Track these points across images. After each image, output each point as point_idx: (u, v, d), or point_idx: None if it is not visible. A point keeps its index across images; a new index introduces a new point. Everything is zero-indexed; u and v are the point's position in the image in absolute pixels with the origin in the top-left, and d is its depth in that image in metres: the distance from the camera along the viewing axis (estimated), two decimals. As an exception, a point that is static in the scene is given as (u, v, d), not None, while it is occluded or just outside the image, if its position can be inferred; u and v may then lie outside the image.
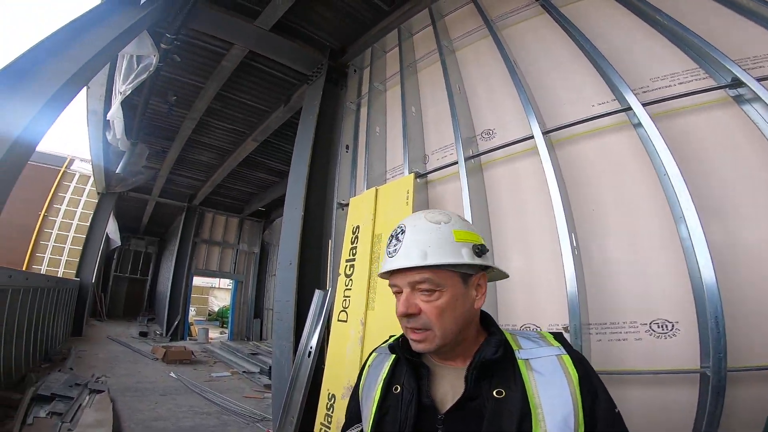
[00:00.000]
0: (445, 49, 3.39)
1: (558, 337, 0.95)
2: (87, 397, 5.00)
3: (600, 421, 0.80)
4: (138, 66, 4.84)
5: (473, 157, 2.80)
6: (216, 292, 23.93)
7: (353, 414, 1.10)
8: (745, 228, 1.87)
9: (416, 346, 0.90)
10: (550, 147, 2.38)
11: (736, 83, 1.98)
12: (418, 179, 3.02)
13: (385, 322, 2.86)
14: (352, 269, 3.26)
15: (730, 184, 1.95)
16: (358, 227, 3.33)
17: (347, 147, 4.13)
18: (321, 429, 3.21)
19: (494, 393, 0.83)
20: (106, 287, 18.34)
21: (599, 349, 2.05)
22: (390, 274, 0.93)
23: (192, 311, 14.78)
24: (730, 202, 1.93)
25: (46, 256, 16.95)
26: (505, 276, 1.02)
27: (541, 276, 2.36)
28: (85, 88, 5.76)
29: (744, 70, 1.96)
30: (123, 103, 5.60)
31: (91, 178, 16.09)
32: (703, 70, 2.16)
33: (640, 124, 2.16)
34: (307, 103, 4.84)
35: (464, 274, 0.91)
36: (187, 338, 12.86)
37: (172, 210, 14.16)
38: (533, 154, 2.52)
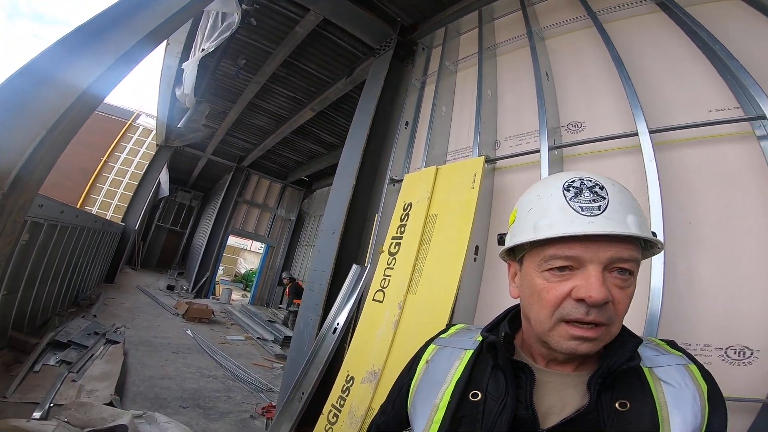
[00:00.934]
0: (536, 36, 3.14)
1: (673, 344, 0.81)
2: (102, 348, 5.02)
3: None
4: (222, 24, 4.92)
5: (557, 147, 2.53)
6: (246, 254, 24.39)
7: (390, 417, 0.95)
8: None
9: (580, 347, 0.68)
10: (656, 148, 2.10)
11: None
12: (487, 164, 2.78)
13: (425, 309, 2.64)
14: (397, 247, 3.06)
15: None
16: (410, 205, 3.13)
17: (407, 123, 3.97)
18: (331, 411, 3.04)
19: (617, 405, 0.68)
20: (147, 236, 19.06)
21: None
22: (562, 241, 0.70)
23: (220, 270, 15.08)
24: None
25: (99, 198, 18.10)
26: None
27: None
28: (164, 43, 5.94)
29: None
30: (195, 63, 5.76)
31: (153, 131, 17.10)
32: None
33: (767, 137, 1.85)
34: (371, 76, 4.71)
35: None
36: (211, 297, 13.12)
37: (221, 168, 14.54)
38: (627, 153, 2.26)
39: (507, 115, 3.14)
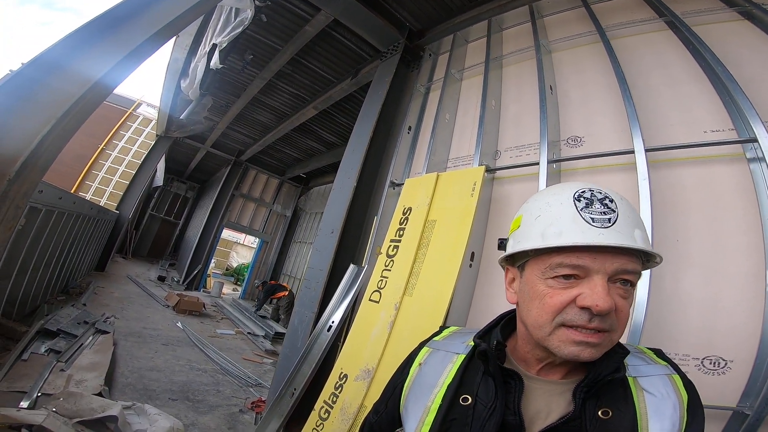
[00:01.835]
0: (543, 48, 3.22)
1: (660, 353, 0.85)
2: (91, 338, 5.00)
3: None
4: (234, 19, 4.98)
5: (556, 161, 2.61)
6: (239, 248, 24.37)
7: (383, 417, 0.97)
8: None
9: (583, 353, 0.71)
10: (650, 166, 2.18)
11: None
12: (486, 173, 2.85)
13: (421, 311, 2.72)
14: (395, 250, 3.13)
15: None
16: (409, 209, 3.20)
17: (410, 128, 4.04)
18: (323, 408, 3.10)
19: (599, 413, 0.71)
20: (139, 224, 19.02)
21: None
22: (571, 250, 0.72)
23: (212, 263, 15.05)
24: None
25: (94, 185, 18.02)
26: None
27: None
28: (174, 36, 5.96)
29: None
30: (203, 57, 5.81)
31: (153, 121, 17.15)
32: None
33: (757, 159, 1.94)
34: (377, 79, 4.78)
35: None
36: (202, 290, 13.06)
37: (219, 161, 14.58)
38: (623, 170, 2.34)
39: (509, 126, 3.21)
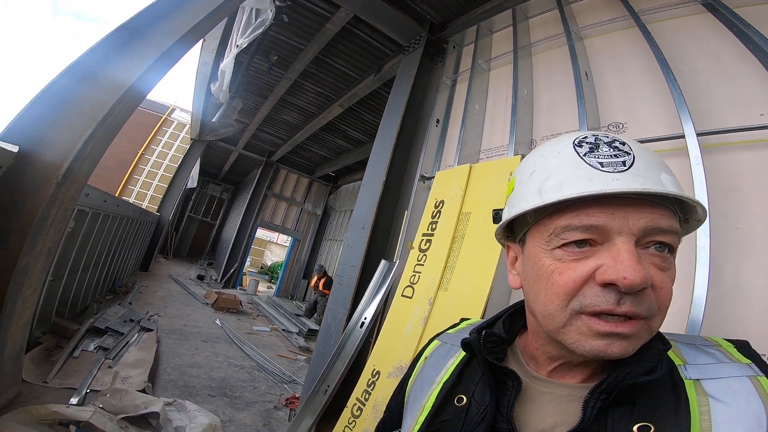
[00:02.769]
0: (574, 35, 3.03)
1: (744, 347, 0.60)
2: (136, 335, 5.12)
3: None
4: (256, 20, 4.99)
5: (598, 148, 2.44)
6: (272, 246, 24.63)
7: (393, 414, 0.85)
8: None
9: (610, 348, 0.52)
10: (702, 150, 1.98)
11: None
12: (523, 163, 2.71)
13: (457, 305, 2.60)
14: (428, 244, 3.02)
15: None
16: (442, 202, 3.09)
17: (437, 121, 3.91)
18: (355, 405, 3.04)
19: (635, 429, 0.51)
20: (179, 226, 19.59)
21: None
22: (578, 206, 0.54)
23: (247, 262, 15.36)
24: None
25: (135, 189, 18.67)
26: None
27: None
28: (201, 40, 6.07)
29: None
30: (230, 59, 5.85)
31: (187, 126, 17.61)
32: None
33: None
34: (401, 73, 4.66)
35: None
36: (238, 287, 13.31)
37: (251, 163, 14.80)
38: (673, 155, 2.14)
39: (542, 115, 3.05)
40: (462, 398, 0.67)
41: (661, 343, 0.56)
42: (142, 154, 19.18)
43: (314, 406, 3.42)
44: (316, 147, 11.74)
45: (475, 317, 2.44)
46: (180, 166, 13.06)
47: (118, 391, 3.12)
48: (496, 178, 2.75)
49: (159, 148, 19.70)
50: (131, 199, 17.69)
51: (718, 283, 1.81)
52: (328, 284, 10.32)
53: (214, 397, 3.95)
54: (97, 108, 2.74)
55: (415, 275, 3.03)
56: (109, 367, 3.85)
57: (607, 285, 0.51)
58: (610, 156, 0.55)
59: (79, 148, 2.62)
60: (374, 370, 3.05)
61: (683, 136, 2.05)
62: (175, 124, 20.50)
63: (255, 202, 13.74)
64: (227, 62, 5.98)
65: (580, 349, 0.53)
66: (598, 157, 0.56)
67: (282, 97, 8.55)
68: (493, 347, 0.68)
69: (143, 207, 16.30)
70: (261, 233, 17.19)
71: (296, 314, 9.96)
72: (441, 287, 2.74)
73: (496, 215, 0.73)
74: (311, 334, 8.06)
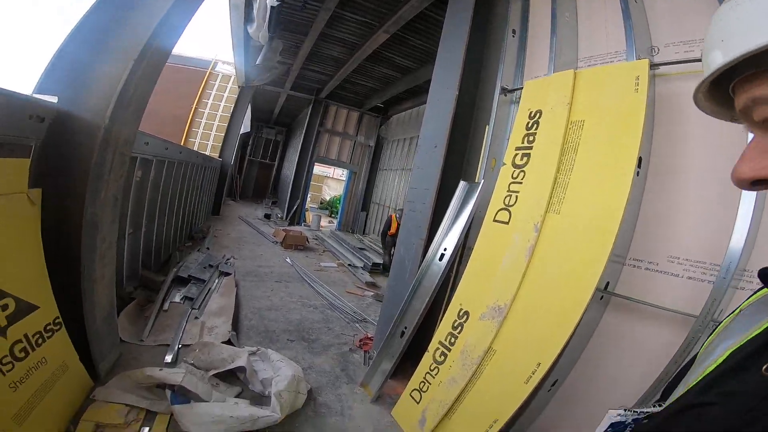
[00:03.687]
0: None
1: None
2: (216, 280, 5.06)
3: None
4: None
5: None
6: (330, 181, 24.71)
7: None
8: None
9: None
10: None
11: None
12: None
13: (574, 230, 2.10)
14: (525, 158, 2.48)
15: None
16: (538, 112, 2.50)
17: (513, 31, 3.19)
18: (438, 350, 2.68)
19: None
20: (242, 170, 20.08)
21: None
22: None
23: (308, 198, 15.47)
24: None
25: (196, 141, 19.19)
26: None
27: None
28: None
29: None
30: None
31: (233, 77, 17.33)
32: None
33: None
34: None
35: None
36: (303, 224, 13.53)
37: (300, 102, 14.41)
38: None
39: (663, 19, 2.34)
40: None
41: None
42: (195, 108, 19.40)
43: (391, 351, 3.14)
44: (363, 79, 10.88)
45: (604, 246, 1.91)
46: (232, 113, 12.92)
47: (206, 345, 3.02)
48: (617, 83, 2.16)
49: (210, 101, 19.89)
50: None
51: None
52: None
53: (293, 341, 3.82)
54: (132, 46, 2.32)
55: (510, 196, 2.52)
56: (196, 318, 3.78)
57: None
58: None
59: (121, 88, 2.31)
60: (461, 310, 2.65)
61: None
62: (220, 76, 20.54)
63: (309, 139, 13.52)
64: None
65: None
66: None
67: (322, 32, 7.77)
68: None
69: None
70: (317, 169, 17.09)
71: (359, 248, 9.86)
72: (551, 209, 2.23)
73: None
74: (375, 267, 7.92)
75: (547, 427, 2.37)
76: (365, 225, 13.85)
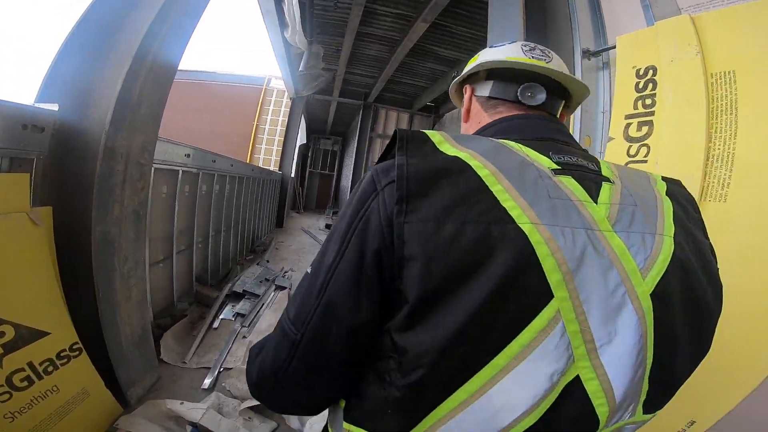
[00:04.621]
0: None
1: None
2: (272, 295, 4.78)
3: None
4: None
5: None
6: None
7: None
8: None
9: None
10: None
11: None
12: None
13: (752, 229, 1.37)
14: (645, 128, 1.82)
15: None
16: (651, 69, 1.85)
17: None
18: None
19: None
20: (303, 182, 20.36)
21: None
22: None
23: (366, 206, 15.34)
24: None
25: (260, 157, 19.82)
26: None
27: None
28: None
29: None
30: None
31: (286, 92, 17.74)
32: None
33: None
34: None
35: None
36: (363, 232, 13.23)
37: (351, 109, 14.26)
38: None
39: None
40: None
41: None
42: (256, 125, 20.11)
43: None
44: (409, 77, 10.36)
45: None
46: (287, 126, 13.19)
47: (243, 373, 2.61)
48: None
49: (269, 117, 20.47)
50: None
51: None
52: None
53: None
54: (126, 49, 2.07)
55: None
56: (244, 337, 3.45)
57: None
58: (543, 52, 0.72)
59: (119, 92, 1.94)
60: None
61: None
62: (275, 92, 20.95)
63: (362, 146, 13.34)
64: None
65: None
66: (534, 52, 0.71)
67: (358, 30, 7.40)
68: None
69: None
70: (374, 175, 16.86)
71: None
72: (708, 195, 1.50)
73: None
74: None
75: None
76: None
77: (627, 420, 0.51)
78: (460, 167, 0.48)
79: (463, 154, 0.50)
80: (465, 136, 0.57)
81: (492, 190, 0.46)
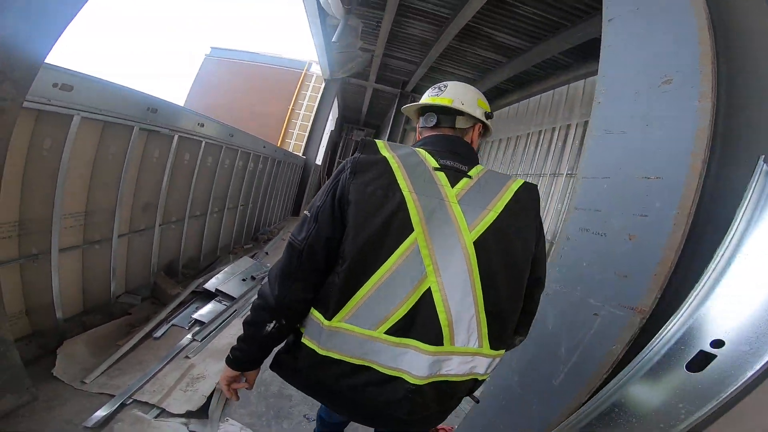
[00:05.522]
0: None
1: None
2: (252, 299, 3.56)
3: None
4: None
5: None
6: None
7: None
8: None
9: None
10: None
11: None
12: None
13: None
14: None
15: None
16: None
17: None
18: None
19: None
20: (331, 172, 19.60)
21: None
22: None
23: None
24: None
25: (292, 141, 19.27)
26: None
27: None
28: None
29: None
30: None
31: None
32: None
33: None
34: None
35: None
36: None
37: (387, 98, 13.17)
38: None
39: None
40: None
41: None
42: (291, 109, 19.55)
43: None
44: (455, 66, 8.84)
45: None
46: (317, 109, 11.96)
47: (139, 421, 1.71)
48: None
49: (305, 102, 19.93)
50: (290, 149, 18.17)
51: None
52: None
53: (313, 421, 2.26)
54: None
55: None
56: (187, 357, 2.47)
57: None
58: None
59: None
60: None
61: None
62: (315, 77, 20.54)
63: (395, 138, 12.09)
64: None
65: None
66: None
67: (401, 3, 6.16)
68: None
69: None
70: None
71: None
72: None
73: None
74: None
75: None
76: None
77: (476, 348, 0.87)
78: (383, 161, 0.92)
79: (389, 155, 0.94)
80: (396, 144, 0.99)
81: (395, 174, 0.90)
